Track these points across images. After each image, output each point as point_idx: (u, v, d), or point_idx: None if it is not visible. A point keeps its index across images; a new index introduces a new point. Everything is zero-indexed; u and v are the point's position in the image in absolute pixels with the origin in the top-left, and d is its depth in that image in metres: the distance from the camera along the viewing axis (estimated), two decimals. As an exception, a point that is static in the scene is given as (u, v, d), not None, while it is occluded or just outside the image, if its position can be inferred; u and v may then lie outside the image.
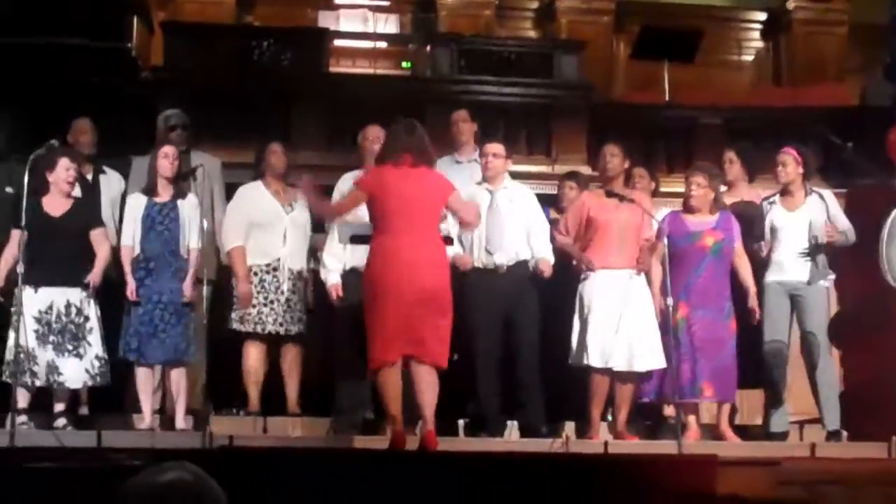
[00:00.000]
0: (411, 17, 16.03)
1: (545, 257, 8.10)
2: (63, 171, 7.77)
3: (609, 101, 13.72)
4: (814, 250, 8.09)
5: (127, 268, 7.85)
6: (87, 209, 8.03)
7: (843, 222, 8.14)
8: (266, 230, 8.31)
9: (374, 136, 8.13)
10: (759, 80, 16.60)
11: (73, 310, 7.70)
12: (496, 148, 8.25)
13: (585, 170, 10.78)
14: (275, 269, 8.26)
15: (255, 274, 8.25)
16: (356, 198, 7.09)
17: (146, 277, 7.80)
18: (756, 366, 8.11)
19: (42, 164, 7.71)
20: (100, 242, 7.88)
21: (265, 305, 8.21)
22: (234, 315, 8.23)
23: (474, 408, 8.08)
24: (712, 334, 7.97)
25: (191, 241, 7.86)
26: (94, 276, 7.72)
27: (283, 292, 8.23)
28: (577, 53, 12.95)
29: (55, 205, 7.76)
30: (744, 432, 8.31)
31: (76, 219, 7.86)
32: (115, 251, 8.05)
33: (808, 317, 8.10)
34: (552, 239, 8.17)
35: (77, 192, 8.15)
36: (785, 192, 8.25)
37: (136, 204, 7.95)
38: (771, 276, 8.15)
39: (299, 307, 8.28)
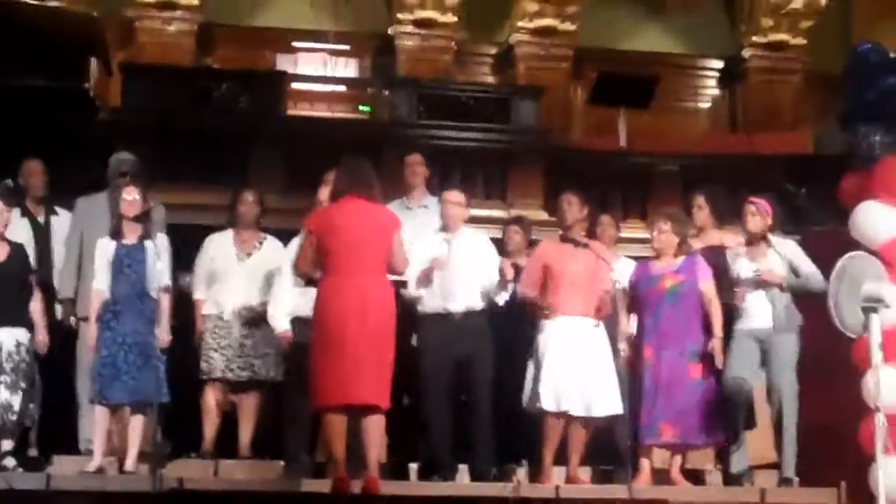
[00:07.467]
0: (370, 62, 16.08)
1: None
2: None
3: (566, 147, 13.77)
4: (778, 298, 8.16)
5: (94, 315, 7.84)
6: (24, 256, 8.02)
7: (807, 268, 8.21)
8: (220, 279, 8.47)
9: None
10: (714, 127, 16.73)
11: (23, 349, 7.74)
12: (457, 197, 8.26)
13: (541, 215, 10.83)
14: (224, 317, 8.34)
15: (210, 321, 8.39)
16: (309, 241, 7.08)
17: (112, 320, 7.75)
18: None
19: None
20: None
21: (215, 351, 8.32)
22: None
23: (426, 451, 8.07)
24: (673, 376, 8.02)
25: (161, 281, 7.80)
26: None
27: (235, 338, 8.30)
28: (535, 99, 13.02)
29: None
30: (694, 477, 8.33)
31: (16, 264, 7.89)
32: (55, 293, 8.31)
33: (776, 363, 8.11)
34: (513, 290, 8.17)
35: (26, 233, 8.27)
36: (750, 241, 8.31)
37: (105, 248, 7.92)
38: (740, 325, 8.21)
39: (254, 353, 8.32)
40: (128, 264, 7.82)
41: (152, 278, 7.78)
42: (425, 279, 7.91)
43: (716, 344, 8.06)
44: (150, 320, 7.74)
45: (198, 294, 8.53)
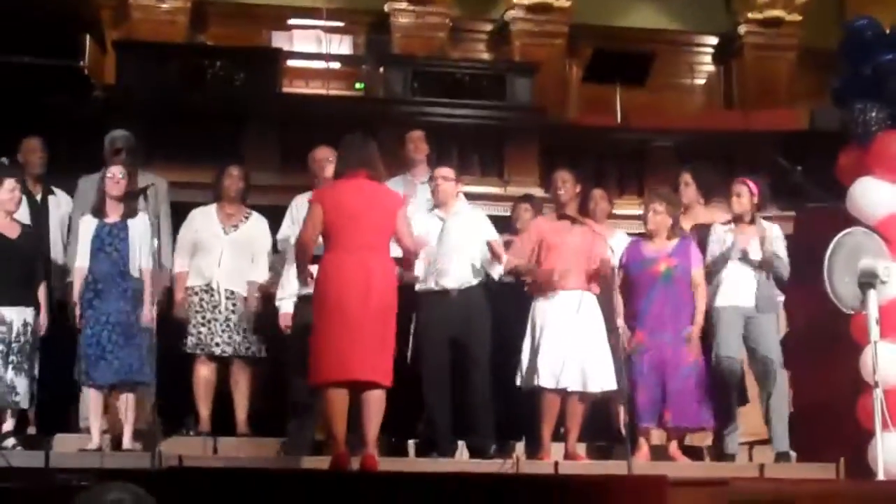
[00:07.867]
0: (365, 39, 16.01)
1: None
2: (7, 192, 7.82)
3: (561, 124, 13.74)
4: (762, 277, 8.19)
5: (77, 293, 7.85)
6: (34, 236, 8.06)
7: (779, 255, 8.27)
8: (204, 251, 8.44)
9: (321, 157, 8.16)
10: (710, 103, 16.68)
11: (29, 329, 7.76)
12: (445, 171, 8.29)
13: (538, 192, 10.80)
14: (211, 290, 8.32)
15: (196, 294, 8.37)
16: (315, 213, 7.04)
17: (94, 299, 7.77)
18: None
19: None
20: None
21: (203, 325, 8.32)
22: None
23: (424, 428, 8.09)
24: (669, 360, 8.04)
25: (142, 261, 7.81)
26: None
27: (220, 312, 8.31)
28: (530, 76, 12.98)
29: (5, 225, 7.80)
30: (692, 453, 8.35)
31: (27, 243, 7.91)
32: (60, 270, 8.29)
33: (761, 339, 8.19)
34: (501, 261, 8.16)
35: (25, 211, 8.16)
36: (738, 220, 8.33)
37: (87, 226, 7.93)
38: (725, 300, 8.21)
39: (242, 327, 8.33)
40: (109, 243, 7.83)
41: (135, 257, 7.80)
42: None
43: (694, 331, 8.09)
44: (133, 299, 7.78)
45: (178, 267, 8.47)
